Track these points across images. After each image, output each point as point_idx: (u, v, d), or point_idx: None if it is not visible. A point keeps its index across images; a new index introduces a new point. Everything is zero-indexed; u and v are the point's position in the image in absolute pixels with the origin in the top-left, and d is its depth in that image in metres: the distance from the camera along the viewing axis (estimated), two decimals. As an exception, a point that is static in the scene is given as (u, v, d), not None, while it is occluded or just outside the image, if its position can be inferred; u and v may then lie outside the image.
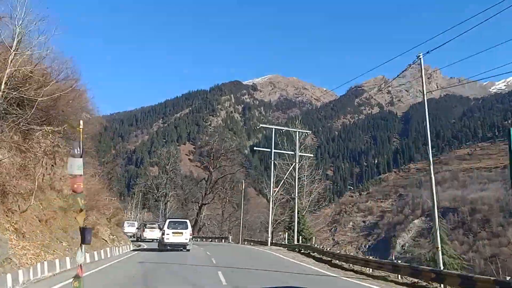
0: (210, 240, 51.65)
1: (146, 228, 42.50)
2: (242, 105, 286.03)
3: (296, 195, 35.00)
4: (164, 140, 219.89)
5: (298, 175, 35.64)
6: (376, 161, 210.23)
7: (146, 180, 75.00)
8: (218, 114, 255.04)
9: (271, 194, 37.66)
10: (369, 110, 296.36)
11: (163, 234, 24.28)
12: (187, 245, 24.07)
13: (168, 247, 23.74)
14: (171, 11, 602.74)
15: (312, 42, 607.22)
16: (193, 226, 47.94)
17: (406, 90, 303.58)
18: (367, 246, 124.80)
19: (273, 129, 40.39)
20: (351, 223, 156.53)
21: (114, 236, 27.49)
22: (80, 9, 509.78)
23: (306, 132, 39.86)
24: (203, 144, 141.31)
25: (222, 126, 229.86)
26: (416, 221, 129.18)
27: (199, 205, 59.97)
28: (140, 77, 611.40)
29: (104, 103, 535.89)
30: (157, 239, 38.86)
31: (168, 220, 25.55)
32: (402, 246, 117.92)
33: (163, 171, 69.60)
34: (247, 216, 58.17)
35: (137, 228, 48.07)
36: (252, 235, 56.00)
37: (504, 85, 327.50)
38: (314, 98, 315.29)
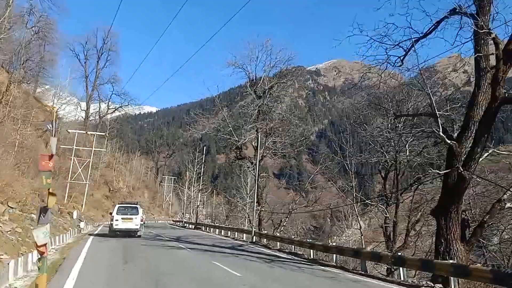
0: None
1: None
2: (306, 91, 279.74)
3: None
4: (230, 128, 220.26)
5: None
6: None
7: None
8: (282, 100, 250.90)
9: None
10: (443, 91, 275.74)
11: (112, 219, 23.61)
12: (138, 231, 23.83)
13: (118, 233, 23.30)
14: None
15: (377, 24, 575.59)
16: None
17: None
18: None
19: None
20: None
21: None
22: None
23: None
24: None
25: (287, 112, 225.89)
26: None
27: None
28: (203, 69, 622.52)
29: (170, 95, 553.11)
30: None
31: (117, 205, 24.90)
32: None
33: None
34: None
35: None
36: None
37: None
38: (381, 82, 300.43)
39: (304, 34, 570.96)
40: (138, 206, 25.75)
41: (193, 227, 45.17)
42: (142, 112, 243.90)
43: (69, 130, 42.96)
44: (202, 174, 51.35)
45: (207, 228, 41.22)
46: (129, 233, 23.83)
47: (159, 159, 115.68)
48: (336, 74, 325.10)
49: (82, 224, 27.04)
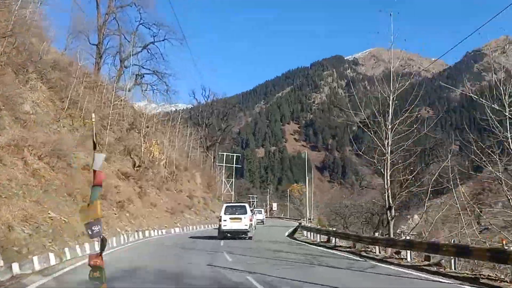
0: None
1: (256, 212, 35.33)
2: (346, 80, 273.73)
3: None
4: (268, 121, 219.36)
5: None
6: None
7: None
8: (321, 90, 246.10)
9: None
10: (493, 75, 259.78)
11: (220, 220, 22.73)
12: (248, 232, 22.51)
13: (228, 235, 22.24)
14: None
15: (412, 13, 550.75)
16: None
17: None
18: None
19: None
20: (500, 204, 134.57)
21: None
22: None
23: None
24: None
25: (326, 102, 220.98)
26: None
27: None
28: (238, 63, 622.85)
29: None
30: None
31: (224, 205, 23.82)
32: None
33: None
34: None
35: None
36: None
37: None
38: (423, 70, 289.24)
39: (340, 23, 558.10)
40: (246, 205, 24.94)
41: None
42: (177, 109, 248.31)
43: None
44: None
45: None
46: (238, 234, 22.61)
47: (208, 134, 75.09)
48: (375, 62, 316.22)
49: None
